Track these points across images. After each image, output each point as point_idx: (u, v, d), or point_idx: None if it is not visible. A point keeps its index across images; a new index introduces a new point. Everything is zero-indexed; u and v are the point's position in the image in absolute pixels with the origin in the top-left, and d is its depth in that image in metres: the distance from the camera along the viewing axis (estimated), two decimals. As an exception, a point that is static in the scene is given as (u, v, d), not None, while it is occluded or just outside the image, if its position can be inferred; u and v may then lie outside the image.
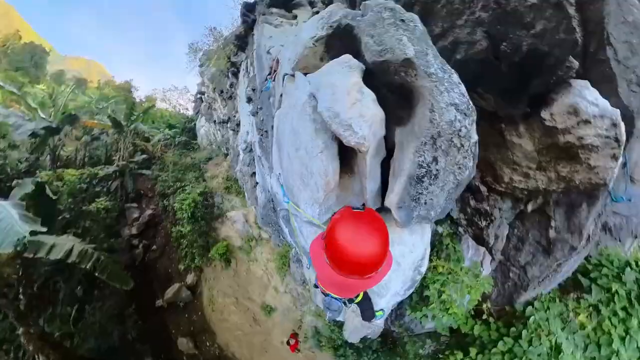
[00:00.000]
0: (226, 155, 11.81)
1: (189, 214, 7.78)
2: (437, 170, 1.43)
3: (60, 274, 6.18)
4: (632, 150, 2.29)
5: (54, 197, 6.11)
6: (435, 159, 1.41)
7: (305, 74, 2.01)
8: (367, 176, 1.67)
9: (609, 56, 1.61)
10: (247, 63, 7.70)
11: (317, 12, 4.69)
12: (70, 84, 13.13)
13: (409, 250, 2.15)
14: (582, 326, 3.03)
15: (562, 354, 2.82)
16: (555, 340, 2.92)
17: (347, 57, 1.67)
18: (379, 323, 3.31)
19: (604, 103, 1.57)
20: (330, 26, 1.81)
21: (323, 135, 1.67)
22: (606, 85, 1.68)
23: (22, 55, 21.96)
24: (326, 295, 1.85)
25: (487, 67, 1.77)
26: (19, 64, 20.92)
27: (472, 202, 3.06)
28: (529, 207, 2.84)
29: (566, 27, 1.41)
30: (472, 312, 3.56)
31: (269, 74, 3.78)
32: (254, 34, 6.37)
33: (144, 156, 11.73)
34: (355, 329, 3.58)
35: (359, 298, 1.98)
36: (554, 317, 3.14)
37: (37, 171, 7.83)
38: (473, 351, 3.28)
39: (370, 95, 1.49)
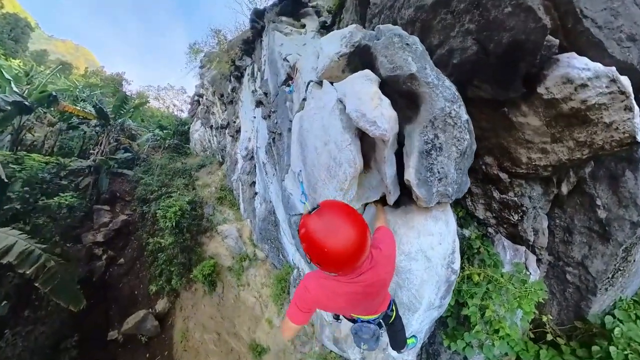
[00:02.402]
0: (221, 163, 10.89)
1: (173, 224, 6.47)
2: (439, 143, 1.82)
3: (-20, 285, 4.60)
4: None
5: (7, 181, 4.76)
6: (436, 135, 1.83)
7: (330, 83, 2.45)
8: (386, 162, 1.97)
9: (587, 27, 1.79)
10: (252, 68, 7.61)
11: (324, 22, 5.20)
12: (53, 66, 11.92)
13: (437, 241, 2.12)
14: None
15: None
16: (664, 356, 2.10)
17: (367, 72, 2.07)
18: (410, 360, 2.66)
19: (596, 65, 1.71)
20: (352, 45, 2.24)
21: (349, 132, 2.05)
22: (595, 51, 1.84)
23: (1, 26, 20.05)
24: (354, 321, 1.72)
25: (479, 63, 2.02)
26: (-6, 33, 18.65)
27: (496, 194, 2.73)
28: (564, 189, 2.57)
29: (533, 18, 1.64)
30: (531, 334, 2.82)
31: (286, 80, 4.27)
32: (262, 39, 6.58)
33: (128, 155, 10.48)
34: (379, 370, 2.83)
35: (394, 316, 1.82)
36: (651, 328, 2.33)
37: (-11, 151, 6.40)
38: (548, 386, 2.35)
39: (387, 100, 1.91)
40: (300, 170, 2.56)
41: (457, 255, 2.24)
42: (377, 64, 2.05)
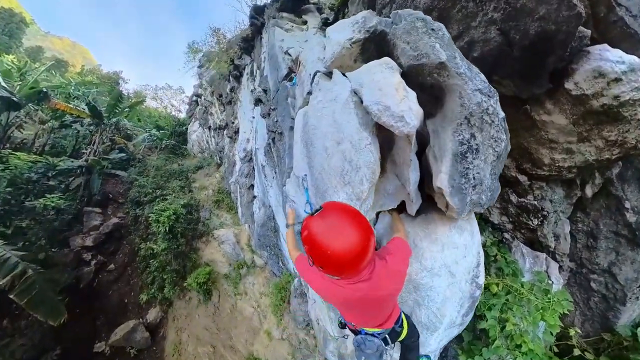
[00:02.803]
0: (219, 165, 10.57)
1: (167, 228, 6.11)
2: (476, 144, 1.61)
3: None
4: None
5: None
6: (472, 135, 1.62)
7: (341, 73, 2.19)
8: (410, 166, 1.74)
9: (621, 15, 1.70)
10: (251, 67, 7.43)
11: (326, 19, 4.98)
12: (48, 63, 11.61)
13: (462, 254, 1.93)
14: None
15: None
16: None
17: (387, 60, 1.82)
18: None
19: (631, 58, 1.61)
20: (367, 30, 1.98)
21: (367, 129, 1.80)
22: (629, 42, 1.74)
23: (-6, 20, 18.93)
24: (356, 333, 1.58)
25: (501, 56, 1.89)
26: (-13, 28, 17.69)
27: (514, 198, 2.62)
28: (588, 191, 2.45)
29: (567, 5, 1.53)
30: (555, 349, 2.66)
31: (287, 75, 4.00)
32: (262, 37, 6.41)
33: (122, 155, 10.13)
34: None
35: (404, 333, 1.64)
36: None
37: (-27, 149, 6.04)
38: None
39: (413, 93, 1.67)
40: (306, 175, 2.27)
41: (482, 269, 2.05)
42: (397, 53, 1.83)
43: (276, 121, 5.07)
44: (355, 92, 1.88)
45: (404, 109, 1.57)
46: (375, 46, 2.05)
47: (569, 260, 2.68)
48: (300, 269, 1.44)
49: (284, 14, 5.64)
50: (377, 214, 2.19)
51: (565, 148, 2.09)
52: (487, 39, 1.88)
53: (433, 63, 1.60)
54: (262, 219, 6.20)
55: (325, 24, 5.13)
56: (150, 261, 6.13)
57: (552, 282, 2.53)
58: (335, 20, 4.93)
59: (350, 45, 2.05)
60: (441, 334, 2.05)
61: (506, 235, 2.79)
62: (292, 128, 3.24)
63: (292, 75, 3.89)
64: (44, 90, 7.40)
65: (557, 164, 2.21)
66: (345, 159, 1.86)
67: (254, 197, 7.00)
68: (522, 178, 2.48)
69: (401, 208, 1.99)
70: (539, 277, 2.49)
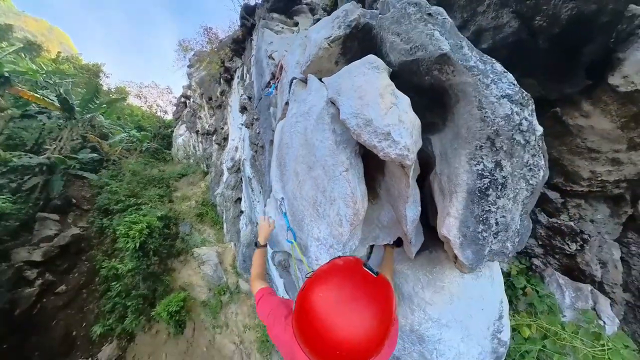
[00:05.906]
0: (206, 173, 9.73)
1: (137, 245, 5.14)
2: (503, 177, 1.20)
3: None
4: None
5: None
6: (498, 164, 1.20)
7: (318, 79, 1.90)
8: (407, 201, 1.33)
9: None
10: (242, 70, 7.15)
11: (319, 19, 4.72)
12: (17, 43, 10.41)
13: (478, 306, 1.60)
14: None
15: None
16: None
17: (372, 58, 1.48)
18: None
19: None
20: (348, 25, 1.72)
21: (346, 150, 1.44)
22: None
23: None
24: None
25: (521, 48, 1.59)
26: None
27: (543, 218, 2.32)
28: None
29: None
30: None
31: (270, 81, 3.67)
32: (252, 39, 6.18)
33: (94, 155, 9.02)
34: None
35: None
36: None
37: None
38: None
39: (405, 98, 1.29)
40: (283, 199, 1.94)
41: (506, 322, 1.73)
42: (386, 49, 1.54)
43: (258, 133, 4.60)
44: (332, 102, 1.51)
45: (390, 122, 1.17)
46: (359, 44, 1.76)
47: (623, 290, 2.28)
48: (262, 310, 1.17)
49: (275, 15, 5.36)
50: (372, 247, 1.87)
51: (610, 158, 1.81)
52: (499, 26, 1.58)
53: (432, 56, 1.24)
54: (249, 237, 5.57)
55: (318, 25, 4.92)
56: (113, 284, 5.07)
57: (604, 322, 2.13)
58: (329, 21, 4.64)
59: (329, 44, 1.73)
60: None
61: (536, 262, 2.43)
62: (272, 142, 2.93)
63: (271, 82, 3.37)
64: (6, 75, 6.39)
65: (599, 178, 1.93)
66: (317, 188, 1.50)
67: (241, 212, 6.38)
68: (553, 195, 2.18)
69: (401, 240, 1.65)
70: (585, 317, 2.10)
